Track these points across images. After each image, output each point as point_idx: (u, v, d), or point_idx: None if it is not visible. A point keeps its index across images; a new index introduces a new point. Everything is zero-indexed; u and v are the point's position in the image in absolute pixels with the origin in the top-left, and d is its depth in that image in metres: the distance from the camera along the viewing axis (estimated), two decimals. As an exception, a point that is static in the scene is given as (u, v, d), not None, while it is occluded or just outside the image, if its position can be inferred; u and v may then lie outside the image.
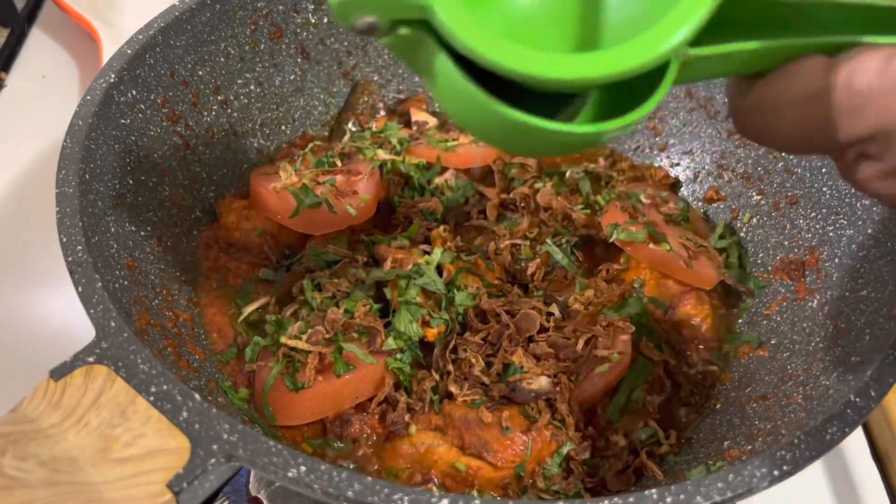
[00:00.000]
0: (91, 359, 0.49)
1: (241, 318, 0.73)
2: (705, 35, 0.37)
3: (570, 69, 0.35)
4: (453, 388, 0.66)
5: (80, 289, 0.53)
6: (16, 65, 1.10)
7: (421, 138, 0.87)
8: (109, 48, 1.00)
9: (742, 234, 0.83)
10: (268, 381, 0.65)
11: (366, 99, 0.92)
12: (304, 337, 0.66)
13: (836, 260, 0.71)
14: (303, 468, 0.45)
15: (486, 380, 0.66)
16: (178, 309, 0.69)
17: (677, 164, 0.90)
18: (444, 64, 0.36)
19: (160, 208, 0.73)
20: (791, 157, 0.79)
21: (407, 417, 0.65)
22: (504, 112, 0.36)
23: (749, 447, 0.59)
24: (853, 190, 0.72)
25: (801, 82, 0.41)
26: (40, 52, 1.12)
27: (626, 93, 0.40)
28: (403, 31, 0.36)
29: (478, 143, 0.87)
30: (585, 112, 0.41)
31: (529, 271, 0.76)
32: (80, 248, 0.55)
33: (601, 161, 0.90)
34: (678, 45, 0.35)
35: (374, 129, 0.89)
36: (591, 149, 0.38)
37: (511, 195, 0.83)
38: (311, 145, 0.84)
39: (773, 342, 0.72)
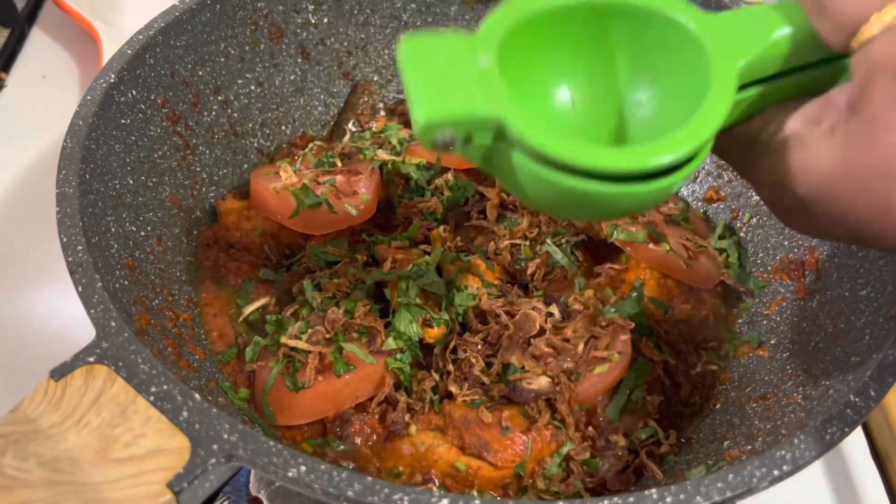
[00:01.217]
0: (91, 359, 0.49)
1: (241, 318, 0.73)
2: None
3: (636, 160, 0.41)
4: (453, 388, 0.66)
5: (80, 289, 0.53)
6: (16, 65, 1.10)
7: (421, 138, 0.86)
8: (109, 48, 1.00)
9: (742, 234, 0.83)
10: (268, 381, 0.65)
11: (366, 99, 0.92)
12: (305, 337, 0.66)
13: (836, 260, 0.71)
14: (303, 468, 0.45)
15: (486, 380, 0.66)
16: (178, 309, 0.69)
17: (677, 164, 0.90)
18: (520, 160, 0.43)
19: (160, 208, 0.73)
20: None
21: (407, 417, 0.65)
22: (589, 186, 0.42)
23: (749, 447, 0.59)
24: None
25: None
26: (40, 52, 1.12)
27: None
28: (479, 140, 0.43)
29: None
30: None
31: (529, 271, 0.76)
32: (80, 248, 0.55)
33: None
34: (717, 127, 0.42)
35: (374, 129, 0.89)
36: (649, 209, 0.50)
37: (511, 196, 0.83)
38: (311, 145, 0.84)
39: (772, 342, 0.72)
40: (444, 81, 0.41)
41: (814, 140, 0.42)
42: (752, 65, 0.44)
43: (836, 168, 0.40)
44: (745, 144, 0.47)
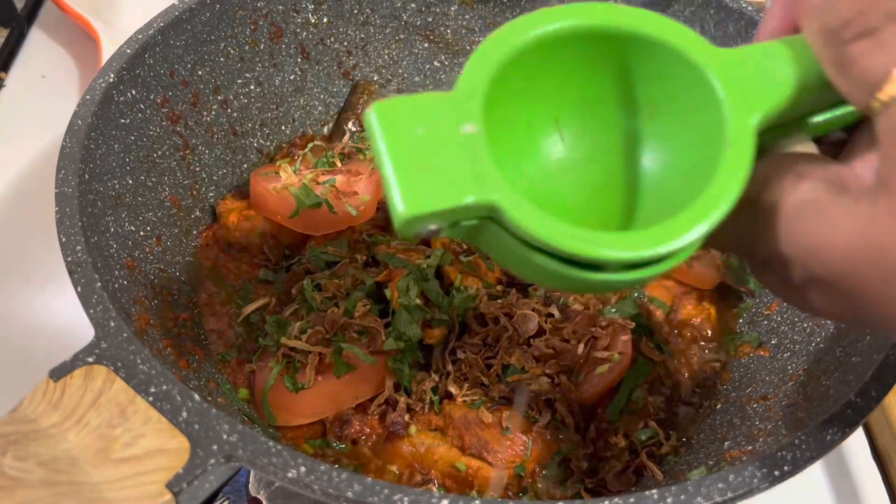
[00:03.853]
0: (90, 359, 0.49)
1: (241, 318, 0.73)
2: None
3: (623, 249, 0.36)
4: (453, 389, 0.66)
5: (79, 289, 0.53)
6: (16, 65, 1.10)
7: (421, 138, 0.86)
8: (109, 48, 1.00)
9: (742, 235, 0.83)
10: (268, 381, 0.65)
11: (366, 99, 0.92)
12: (304, 337, 0.66)
13: (837, 260, 0.71)
14: (302, 468, 0.45)
15: (485, 380, 0.66)
16: (178, 309, 0.69)
17: (677, 165, 0.90)
18: (507, 240, 0.38)
19: (160, 208, 0.73)
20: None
21: (407, 418, 0.65)
22: (570, 272, 0.38)
23: (749, 447, 0.59)
24: (853, 190, 0.72)
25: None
26: (40, 52, 1.12)
27: None
28: (465, 223, 0.38)
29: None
30: None
31: (529, 271, 0.76)
32: (79, 248, 0.55)
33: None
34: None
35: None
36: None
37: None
38: (311, 145, 0.84)
39: (773, 342, 0.72)
40: (425, 163, 0.35)
41: (836, 211, 0.35)
42: (767, 117, 0.37)
43: (859, 248, 0.34)
44: (738, 208, 0.39)
